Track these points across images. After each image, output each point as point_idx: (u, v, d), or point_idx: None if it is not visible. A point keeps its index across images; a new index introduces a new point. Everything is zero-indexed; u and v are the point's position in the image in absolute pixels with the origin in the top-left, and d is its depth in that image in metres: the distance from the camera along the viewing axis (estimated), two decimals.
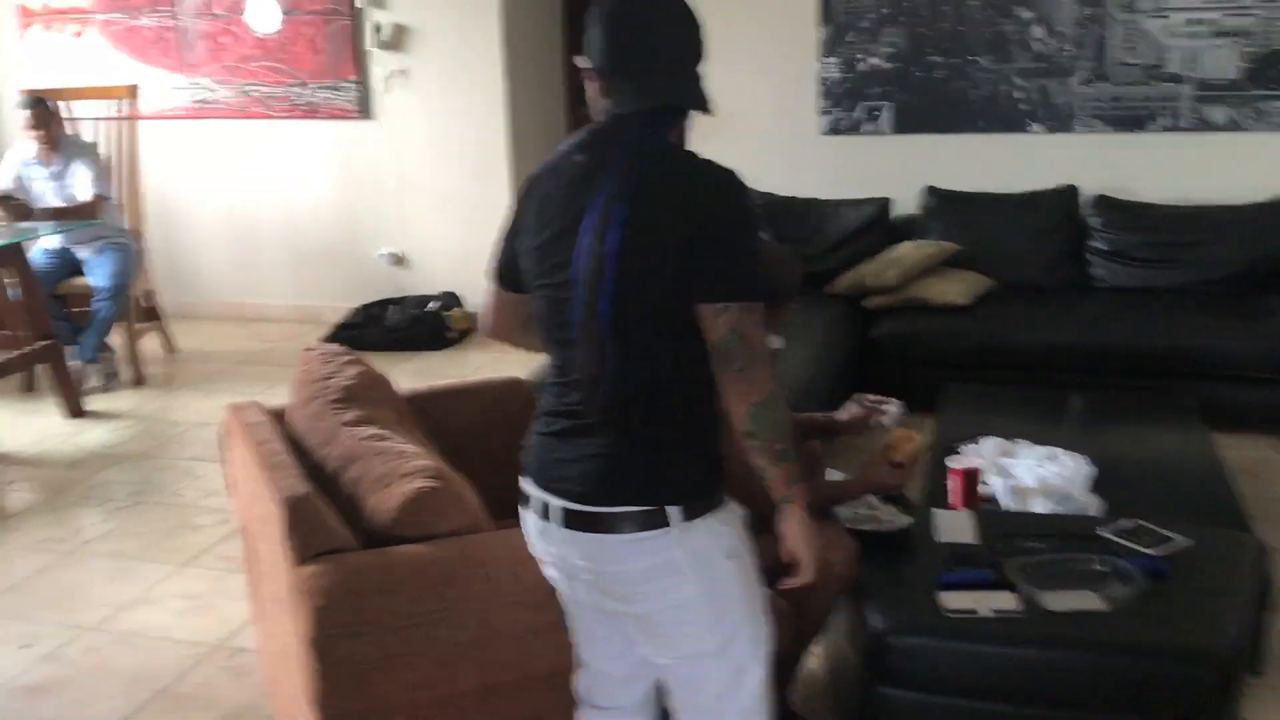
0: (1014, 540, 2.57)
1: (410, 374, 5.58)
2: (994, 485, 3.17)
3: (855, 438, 2.87)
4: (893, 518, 2.64)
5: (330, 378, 2.64)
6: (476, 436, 2.94)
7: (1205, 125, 5.08)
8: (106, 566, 3.71)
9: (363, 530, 2.16)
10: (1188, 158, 5.14)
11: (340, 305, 6.40)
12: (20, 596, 3.53)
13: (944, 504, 2.96)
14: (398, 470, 2.21)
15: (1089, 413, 3.91)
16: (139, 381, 5.61)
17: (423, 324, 6.04)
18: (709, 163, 1.75)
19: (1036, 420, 3.90)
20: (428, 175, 6.29)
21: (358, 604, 1.96)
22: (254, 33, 6.36)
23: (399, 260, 6.44)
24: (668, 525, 1.74)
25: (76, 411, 5.12)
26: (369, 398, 2.59)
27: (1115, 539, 2.53)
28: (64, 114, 5.75)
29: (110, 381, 5.53)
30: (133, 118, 5.87)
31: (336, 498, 2.25)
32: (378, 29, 6.12)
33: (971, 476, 3.02)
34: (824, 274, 5.07)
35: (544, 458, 1.85)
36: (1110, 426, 3.74)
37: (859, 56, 5.46)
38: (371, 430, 2.40)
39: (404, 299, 6.27)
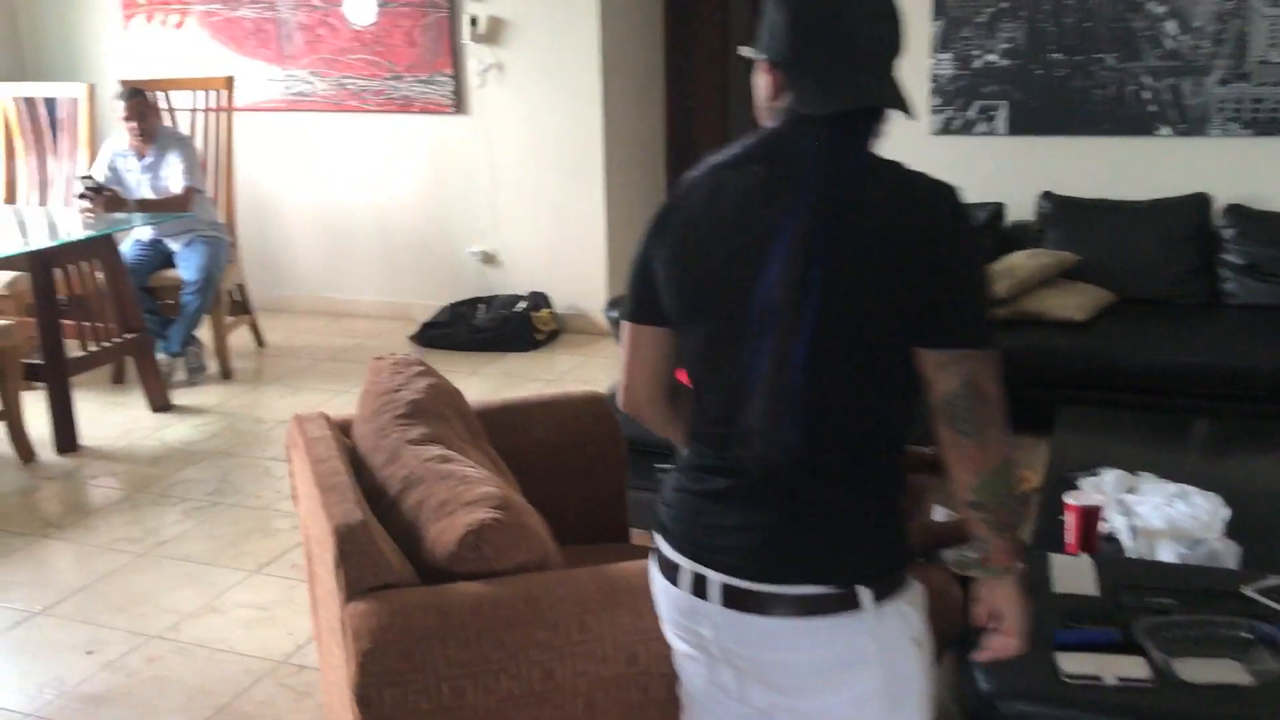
0: (1141, 594, 2.30)
1: (496, 376, 5.45)
2: (1115, 524, 2.89)
3: None
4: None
5: (399, 390, 2.48)
6: (552, 455, 2.77)
7: None
8: (177, 570, 3.62)
9: (422, 563, 1.99)
10: None
11: (429, 303, 6.30)
12: (90, 599, 3.45)
13: (1058, 545, 2.70)
14: (461, 498, 2.03)
15: (1221, 444, 3.58)
16: (226, 375, 5.57)
17: (510, 324, 5.90)
18: (924, 177, 1.49)
19: (1162, 450, 3.59)
20: (520, 172, 6.15)
21: (407, 648, 1.78)
22: (351, 25, 6.29)
23: (489, 259, 6.31)
24: (858, 608, 1.50)
25: (162, 405, 5.09)
26: (438, 413, 2.43)
27: (1261, 599, 2.24)
28: (160, 105, 5.75)
29: (197, 375, 5.50)
30: (229, 109, 5.83)
31: (396, 525, 2.09)
32: (474, 22, 5.99)
33: (1091, 515, 2.74)
34: None
35: (695, 521, 1.58)
36: (1246, 461, 3.41)
37: (974, 52, 5.15)
38: (437, 450, 2.23)
39: (493, 298, 6.14)
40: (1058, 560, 2.44)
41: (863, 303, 1.45)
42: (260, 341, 6.08)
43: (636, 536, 2.85)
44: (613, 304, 3.63)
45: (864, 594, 1.49)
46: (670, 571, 1.60)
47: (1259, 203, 4.75)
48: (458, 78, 6.15)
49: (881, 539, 1.55)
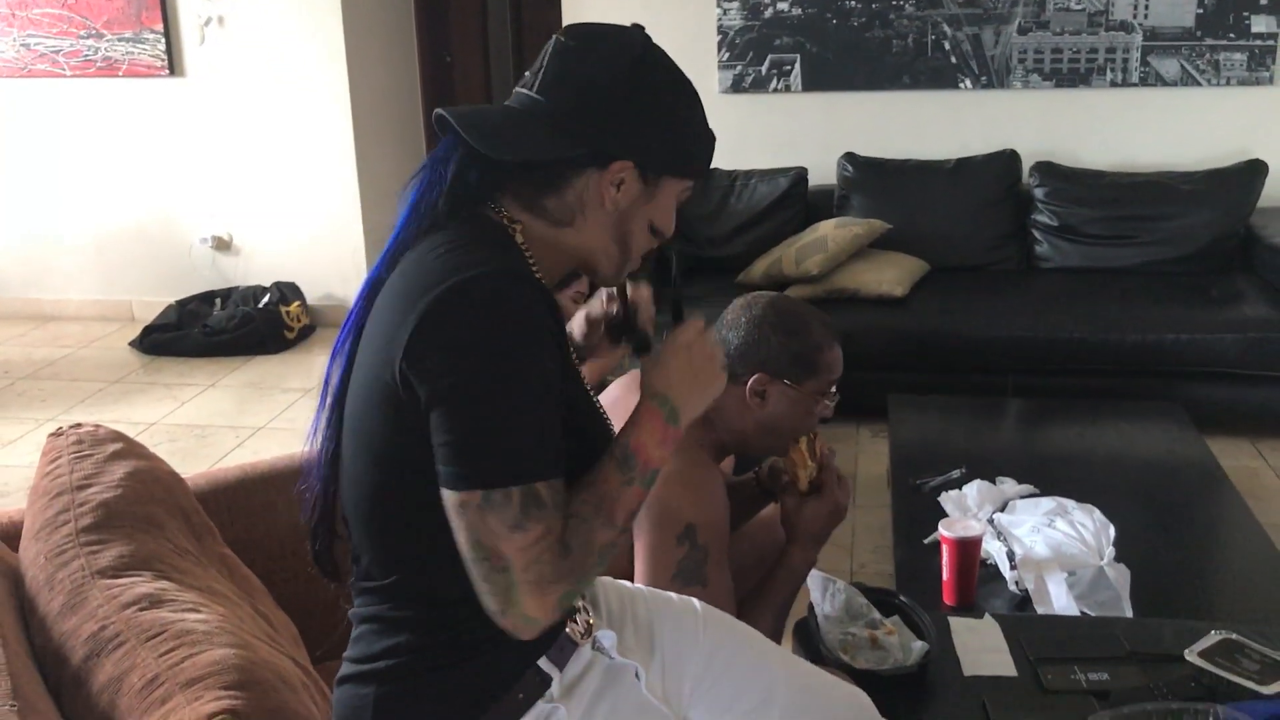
0: (1068, 668, 1.89)
1: (240, 387, 4.66)
2: (991, 550, 2.51)
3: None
4: (901, 643, 1.91)
5: (85, 485, 1.76)
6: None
7: (1155, 80, 4.48)
8: None
9: None
10: (1136, 117, 4.54)
11: (154, 300, 5.42)
12: None
13: (934, 583, 2.30)
14: (179, 671, 1.37)
15: (1070, 430, 3.29)
16: None
17: (254, 322, 5.10)
18: (471, 259, 1.19)
19: (1010, 444, 3.30)
20: (254, 143, 5.30)
21: None
22: None
23: (223, 245, 5.46)
24: None
25: None
26: (143, 517, 1.73)
27: (1209, 667, 1.85)
28: None
29: None
30: None
31: (82, 716, 1.41)
32: None
33: (970, 549, 2.33)
34: (731, 259, 4.37)
35: None
36: (1104, 448, 3.14)
37: (765, 1, 4.68)
38: (143, 585, 1.55)
39: (231, 292, 5.32)
40: (962, 629, 1.99)
41: (371, 379, 1.23)
42: None
43: None
44: None
45: None
46: None
47: (1062, 158, 4.52)
48: (170, 34, 5.24)
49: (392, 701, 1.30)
